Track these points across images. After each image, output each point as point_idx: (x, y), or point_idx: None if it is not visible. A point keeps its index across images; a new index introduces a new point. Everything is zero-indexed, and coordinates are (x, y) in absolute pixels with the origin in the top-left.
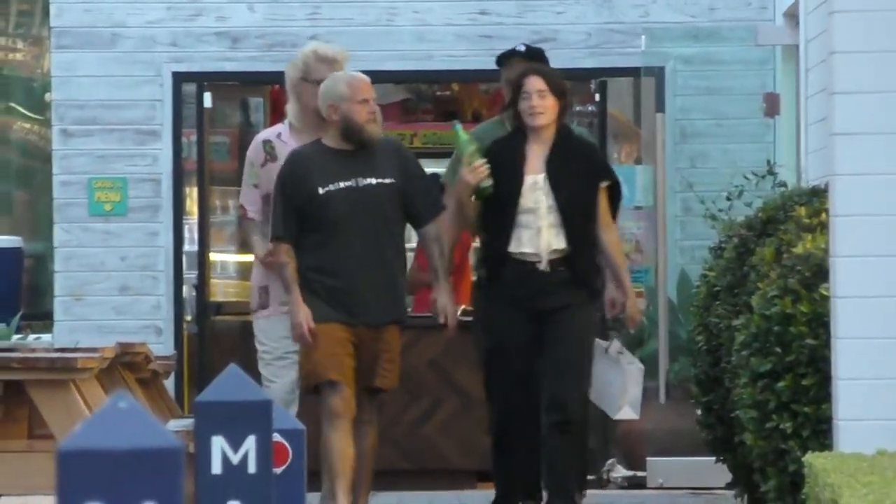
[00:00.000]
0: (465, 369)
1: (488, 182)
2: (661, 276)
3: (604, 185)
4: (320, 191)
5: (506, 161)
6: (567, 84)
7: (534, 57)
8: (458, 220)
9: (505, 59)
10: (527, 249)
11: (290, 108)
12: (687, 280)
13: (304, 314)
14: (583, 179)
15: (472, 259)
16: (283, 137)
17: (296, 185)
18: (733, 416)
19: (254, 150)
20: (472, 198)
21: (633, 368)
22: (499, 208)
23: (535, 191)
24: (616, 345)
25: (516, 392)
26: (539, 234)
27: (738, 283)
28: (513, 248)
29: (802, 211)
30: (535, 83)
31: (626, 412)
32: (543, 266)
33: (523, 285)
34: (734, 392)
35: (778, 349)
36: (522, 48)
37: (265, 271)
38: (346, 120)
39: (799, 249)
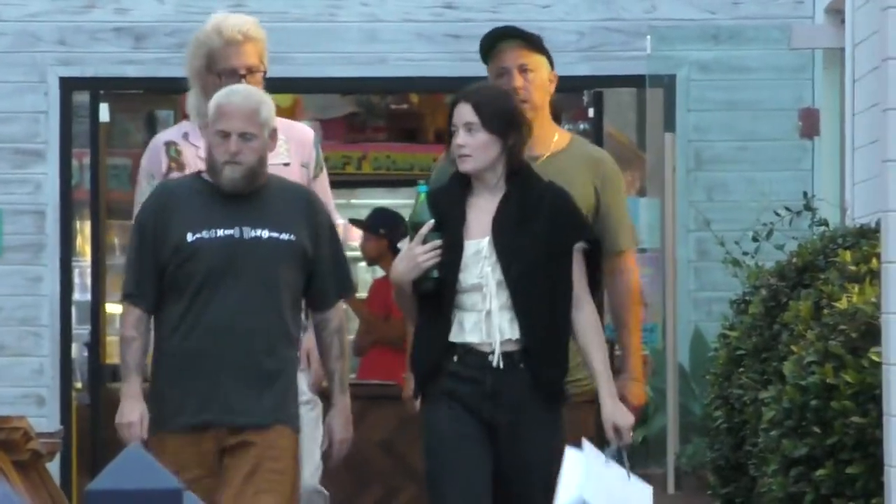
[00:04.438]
0: None
1: (436, 272)
2: (671, 336)
3: (579, 246)
4: (189, 237)
5: (443, 219)
6: (519, 113)
7: (533, 44)
8: (405, 312)
9: (490, 46)
10: (473, 339)
11: (192, 101)
12: (702, 341)
13: (139, 412)
14: (549, 241)
15: None
16: (192, 139)
17: (160, 225)
18: None
19: (152, 157)
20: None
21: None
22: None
23: (479, 261)
24: (616, 454)
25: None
26: (489, 318)
27: (767, 346)
28: (454, 336)
29: (847, 256)
30: (461, 112)
31: None
32: (496, 361)
33: (469, 385)
34: (761, 482)
35: (816, 429)
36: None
37: None
38: (207, 150)
39: (843, 304)
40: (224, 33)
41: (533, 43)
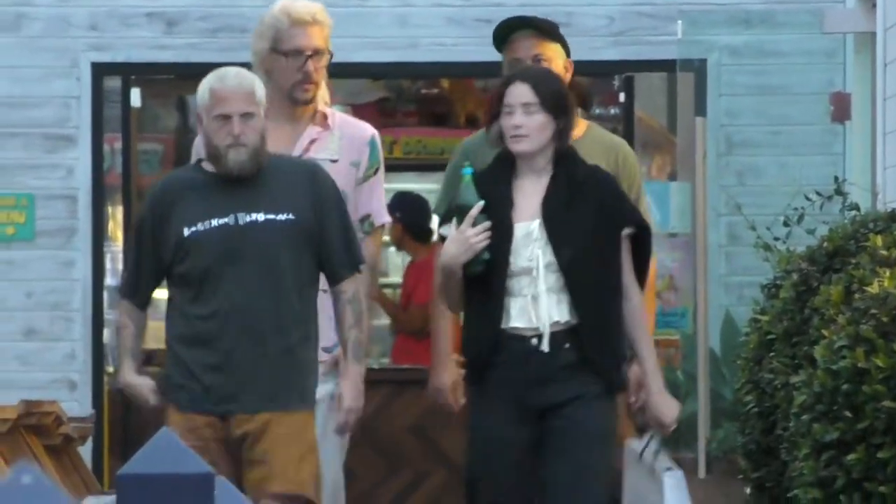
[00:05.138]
0: (455, 435)
1: (487, 254)
2: (701, 320)
3: (626, 232)
4: (185, 231)
5: (488, 202)
6: (569, 96)
7: (547, 33)
8: (449, 298)
9: (504, 36)
10: (519, 324)
11: None
12: (733, 325)
13: (139, 381)
14: (596, 225)
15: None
16: None
17: (158, 223)
18: (791, 497)
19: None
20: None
21: (672, 478)
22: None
23: (529, 244)
24: (653, 445)
25: None
26: (536, 302)
27: (798, 331)
28: (502, 323)
29: (878, 240)
30: (518, 93)
31: None
32: (544, 345)
33: (516, 372)
34: (792, 466)
35: (847, 413)
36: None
37: None
38: (206, 138)
39: (874, 289)
40: (292, 14)
41: (547, 32)
